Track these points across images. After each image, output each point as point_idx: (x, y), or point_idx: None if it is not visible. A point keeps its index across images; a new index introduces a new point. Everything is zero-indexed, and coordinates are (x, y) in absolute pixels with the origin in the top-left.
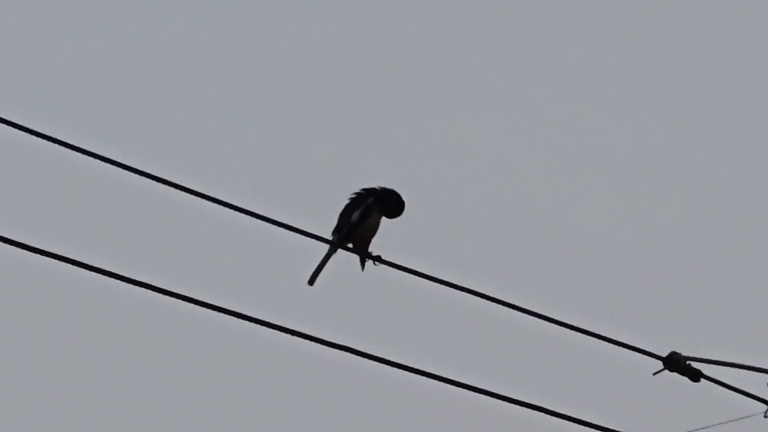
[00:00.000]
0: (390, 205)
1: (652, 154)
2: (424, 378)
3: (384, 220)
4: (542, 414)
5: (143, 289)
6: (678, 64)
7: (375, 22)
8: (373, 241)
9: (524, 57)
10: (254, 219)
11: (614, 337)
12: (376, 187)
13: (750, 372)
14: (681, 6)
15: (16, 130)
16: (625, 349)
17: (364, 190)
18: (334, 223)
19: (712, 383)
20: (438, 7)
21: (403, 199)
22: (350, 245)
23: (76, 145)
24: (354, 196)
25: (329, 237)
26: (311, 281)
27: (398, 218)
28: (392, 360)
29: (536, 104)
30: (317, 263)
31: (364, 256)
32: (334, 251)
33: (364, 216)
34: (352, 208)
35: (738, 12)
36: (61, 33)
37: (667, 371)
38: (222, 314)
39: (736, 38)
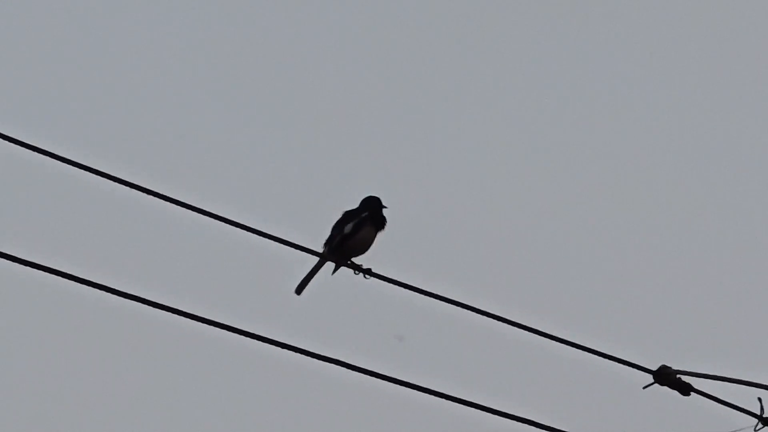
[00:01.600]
0: (382, 217)
1: (644, 166)
2: (414, 391)
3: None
4: (532, 427)
5: (131, 301)
6: (675, 68)
7: (365, 33)
8: (366, 254)
9: (514, 64)
10: (243, 231)
11: (604, 351)
12: (373, 200)
13: (740, 386)
14: (682, 7)
15: (7, 142)
16: (615, 363)
17: (363, 203)
18: (327, 234)
19: (702, 397)
20: (427, 14)
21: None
22: (341, 257)
23: (63, 156)
24: (351, 209)
25: (321, 247)
26: (299, 290)
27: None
28: (381, 373)
29: (528, 114)
30: (306, 273)
31: (354, 267)
32: (324, 262)
33: (357, 229)
34: (345, 221)
35: (739, 12)
36: (54, 42)
37: (657, 385)
38: (210, 326)
39: (737, 39)
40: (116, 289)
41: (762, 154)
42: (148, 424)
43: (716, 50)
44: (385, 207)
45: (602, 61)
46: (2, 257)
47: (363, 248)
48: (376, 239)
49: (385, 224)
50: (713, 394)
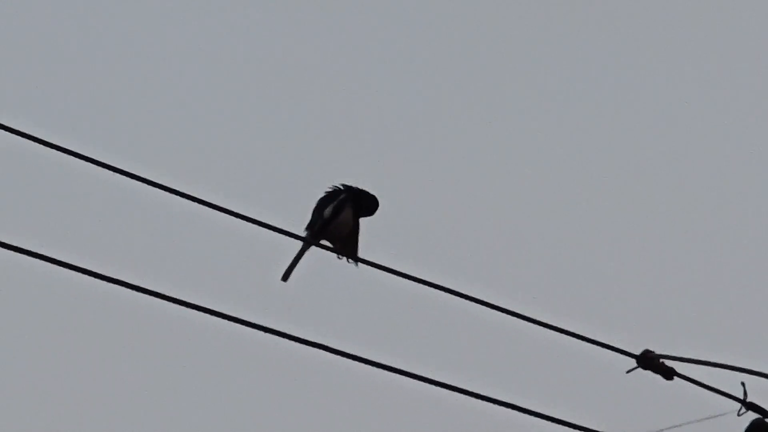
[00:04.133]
0: (363, 201)
1: (630, 154)
2: (402, 377)
3: (363, 218)
4: (515, 411)
5: (120, 287)
6: (675, 70)
7: (362, 21)
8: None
9: (510, 58)
10: (226, 215)
11: (587, 335)
12: (350, 185)
13: (724, 370)
14: (682, 8)
15: (12, 134)
16: (598, 347)
17: (339, 185)
18: (308, 218)
19: (685, 381)
20: (427, 8)
21: (377, 198)
22: (324, 241)
23: (57, 144)
24: (328, 191)
25: (303, 232)
26: (285, 277)
27: (371, 216)
28: (369, 359)
29: (523, 104)
30: (291, 259)
31: (339, 252)
32: (308, 247)
33: (337, 212)
34: (325, 204)
35: (740, 15)
36: (54, 38)
37: (640, 369)
38: (196, 311)
39: (738, 41)
40: (104, 274)
41: (744, 147)
42: (136, 411)
43: (720, 53)
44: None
45: (602, 58)
46: (7, 248)
47: (346, 230)
48: (360, 222)
49: (372, 208)
50: (697, 379)
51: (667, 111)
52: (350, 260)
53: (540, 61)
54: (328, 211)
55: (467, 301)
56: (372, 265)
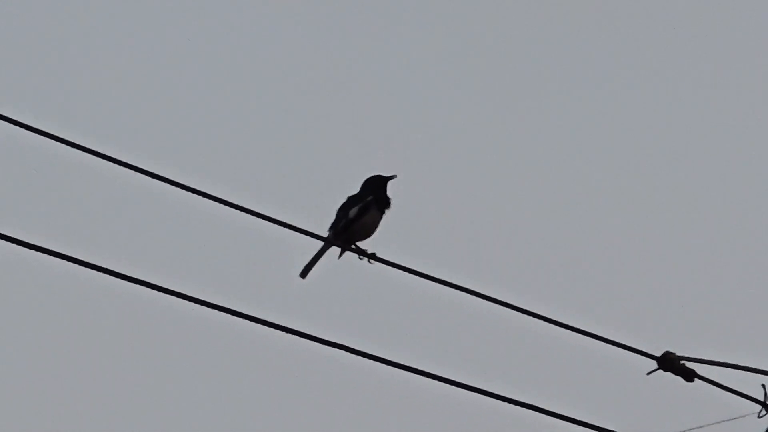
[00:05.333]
0: (385, 201)
1: (647, 154)
2: (418, 376)
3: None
4: (536, 413)
5: (136, 285)
6: (679, 68)
7: (376, 18)
8: (371, 238)
9: (519, 55)
10: (248, 216)
11: (608, 337)
12: (375, 180)
13: (744, 372)
14: (684, 10)
15: (17, 127)
16: (620, 349)
17: (366, 185)
18: (332, 218)
19: (706, 383)
20: (440, 5)
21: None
22: (345, 241)
23: (69, 139)
24: (355, 193)
25: (326, 232)
26: (303, 274)
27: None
28: (386, 358)
29: (533, 102)
30: (310, 257)
31: (359, 252)
32: (329, 246)
33: (361, 213)
34: (350, 205)
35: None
36: (59, 30)
37: (661, 371)
38: (215, 311)
39: (740, 43)
40: (120, 272)
41: (761, 144)
42: (148, 407)
43: (723, 55)
44: (392, 177)
45: (609, 55)
46: (11, 241)
47: (368, 232)
48: (380, 223)
49: (389, 205)
50: (717, 381)
51: (697, 105)
52: (367, 258)
53: (549, 60)
54: (352, 212)
55: (487, 302)
56: (389, 264)
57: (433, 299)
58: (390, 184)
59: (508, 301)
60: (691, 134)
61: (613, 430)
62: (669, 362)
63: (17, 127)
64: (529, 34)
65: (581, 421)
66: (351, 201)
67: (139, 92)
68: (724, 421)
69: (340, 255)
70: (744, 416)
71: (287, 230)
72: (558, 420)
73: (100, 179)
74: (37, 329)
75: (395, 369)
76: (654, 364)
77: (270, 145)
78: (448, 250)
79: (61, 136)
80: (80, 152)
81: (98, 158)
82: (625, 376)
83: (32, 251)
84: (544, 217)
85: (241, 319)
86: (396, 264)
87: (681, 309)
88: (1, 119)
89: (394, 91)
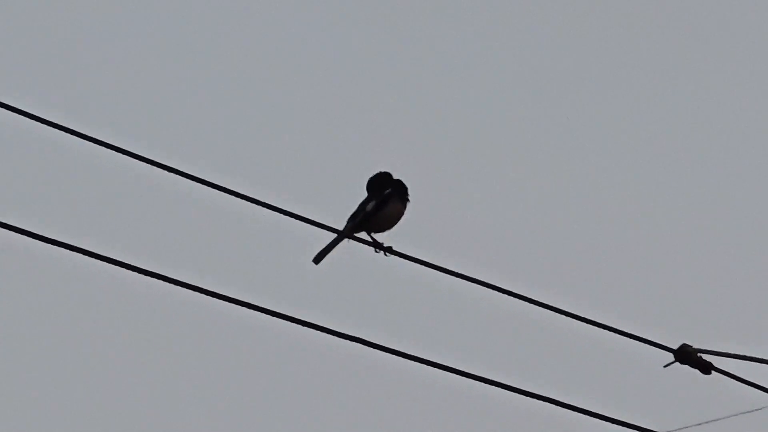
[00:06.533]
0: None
1: (661, 146)
2: (435, 369)
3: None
4: (552, 406)
5: (148, 277)
6: (683, 68)
7: (391, 15)
8: (390, 231)
9: (526, 53)
10: (261, 208)
11: (625, 329)
12: (397, 178)
13: (761, 364)
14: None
15: (22, 117)
16: (636, 341)
17: (385, 179)
18: (351, 210)
19: (723, 376)
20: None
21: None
22: (362, 234)
23: (91, 135)
24: (377, 184)
25: (345, 222)
26: (317, 260)
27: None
28: (401, 351)
29: (548, 97)
30: (326, 244)
31: (375, 245)
32: (345, 237)
33: (380, 206)
34: (369, 198)
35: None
36: (64, 21)
37: (677, 363)
38: (231, 304)
39: (741, 46)
40: (135, 266)
41: None
42: (160, 400)
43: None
44: (399, 180)
45: (607, 54)
46: (15, 231)
47: (389, 224)
48: (403, 215)
49: (408, 197)
50: (734, 373)
51: (724, 96)
52: (383, 251)
53: (552, 54)
54: (370, 206)
55: (503, 295)
56: (405, 257)
57: (450, 292)
58: (402, 179)
59: (523, 294)
60: (708, 126)
61: (629, 422)
62: (686, 355)
63: (29, 119)
64: (535, 28)
65: (597, 414)
66: (370, 194)
67: (153, 81)
68: (741, 413)
69: (350, 239)
70: (762, 408)
71: (304, 223)
72: (573, 412)
73: (124, 176)
74: (79, 328)
75: (412, 362)
76: (671, 357)
77: (288, 137)
78: (465, 242)
79: (73, 128)
80: (123, 156)
81: (123, 155)
82: (642, 369)
83: (84, 256)
84: (560, 211)
85: (256, 312)
86: (412, 257)
87: (698, 301)
88: (4, 107)
89: (411, 83)
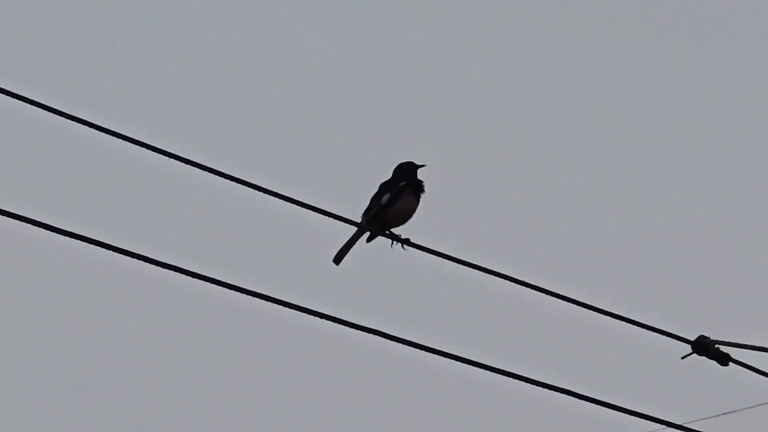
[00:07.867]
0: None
1: (681, 137)
2: (453, 361)
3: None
4: (570, 397)
5: (169, 271)
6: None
7: (411, 7)
8: (406, 225)
9: (533, 50)
10: (280, 201)
11: (643, 321)
12: (406, 166)
13: None
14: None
15: (30, 105)
16: (654, 333)
17: (398, 171)
18: (366, 204)
19: (740, 367)
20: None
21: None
22: (380, 227)
23: (119, 132)
24: (390, 177)
25: (360, 217)
26: (337, 260)
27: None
28: (419, 342)
29: (564, 89)
30: (344, 243)
31: (392, 238)
32: (362, 232)
33: (395, 199)
34: (383, 191)
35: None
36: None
37: (695, 355)
38: (249, 296)
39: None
40: (154, 258)
41: None
42: (182, 392)
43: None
44: (422, 166)
45: (610, 52)
46: (22, 220)
47: (403, 218)
48: (417, 208)
49: (423, 190)
50: (752, 364)
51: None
52: (401, 243)
53: (554, 56)
54: (384, 198)
55: (521, 287)
56: (422, 249)
57: (468, 284)
58: (421, 171)
59: (541, 286)
60: (721, 123)
61: (648, 414)
62: (704, 346)
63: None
64: (558, 24)
65: (615, 405)
66: (384, 187)
67: (172, 76)
68: (759, 405)
69: (369, 239)
70: None
71: (321, 216)
72: (591, 404)
73: (150, 170)
74: (112, 325)
75: (429, 354)
76: (688, 349)
77: (306, 131)
78: (483, 234)
79: (105, 126)
80: (120, 140)
81: (147, 149)
82: (660, 361)
83: (113, 252)
84: (579, 204)
85: (277, 305)
86: (429, 249)
87: (715, 293)
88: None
89: (428, 77)
